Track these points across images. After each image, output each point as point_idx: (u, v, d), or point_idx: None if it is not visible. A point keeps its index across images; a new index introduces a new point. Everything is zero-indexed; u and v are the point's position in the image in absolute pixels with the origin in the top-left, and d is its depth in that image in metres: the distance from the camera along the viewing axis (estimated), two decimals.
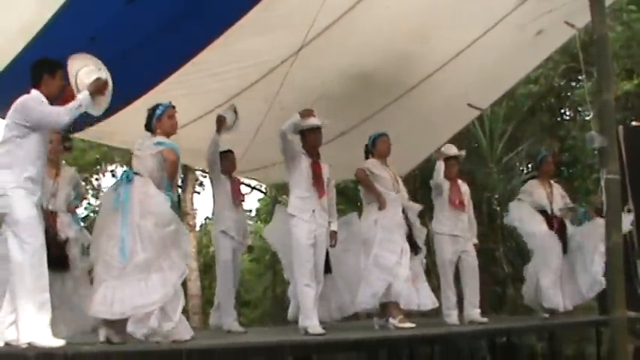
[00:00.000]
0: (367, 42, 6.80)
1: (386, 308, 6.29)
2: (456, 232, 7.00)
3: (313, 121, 6.02)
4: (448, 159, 7.07)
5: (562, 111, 13.38)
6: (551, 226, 7.22)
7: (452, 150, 7.20)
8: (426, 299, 6.62)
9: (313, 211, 5.81)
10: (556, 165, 11.79)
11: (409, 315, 6.50)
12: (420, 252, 6.76)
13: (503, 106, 11.59)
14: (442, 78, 7.72)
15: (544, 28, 7.40)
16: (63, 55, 4.55)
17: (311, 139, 6.05)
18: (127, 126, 6.60)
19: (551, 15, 7.10)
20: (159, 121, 5.11)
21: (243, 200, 6.93)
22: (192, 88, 6.59)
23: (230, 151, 6.87)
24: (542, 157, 7.67)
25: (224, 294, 6.67)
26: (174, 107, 5.18)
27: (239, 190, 6.99)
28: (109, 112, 6.51)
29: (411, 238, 6.51)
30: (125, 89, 6.14)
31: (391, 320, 6.19)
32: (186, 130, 6.91)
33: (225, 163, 6.73)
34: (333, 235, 6.09)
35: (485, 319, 6.92)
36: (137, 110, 6.13)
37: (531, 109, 12.59)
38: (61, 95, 4.62)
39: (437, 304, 6.74)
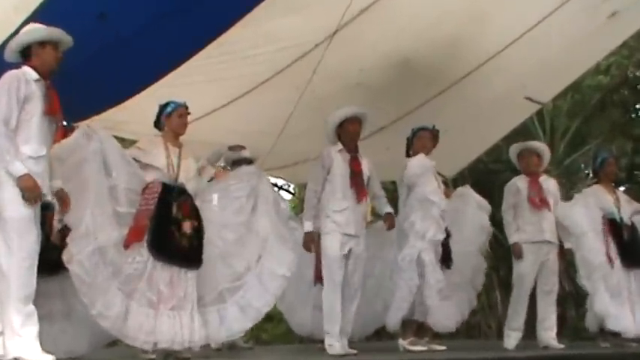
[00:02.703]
0: (411, 25, 6.43)
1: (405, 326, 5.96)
2: (539, 237, 6.34)
3: (353, 110, 5.86)
4: (522, 152, 6.73)
5: (637, 106, 12.76)
6: (621, 236, 6.47)
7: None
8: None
9: (348, 224, 5.64)
10: (628, 168, 11.19)
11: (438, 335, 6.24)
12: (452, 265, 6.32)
13: (568, 99, 11.12)
14: (497, 67, 7.28)
15: (619, 9, 6.92)
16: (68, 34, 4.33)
17: (350, 128, 5.85)
18: (142, 114, 6.17)
19: None
20: (168, 118, 5.15)
21: None
22: (216, 73, 6.37)
23: None
24: (604, 159, 6.91)
25: None
26: (187, 107, 5.21)
27: None
28: (119, 99, 6.37)
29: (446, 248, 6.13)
30: (140, 72, 6.20)
31: (400, 342, 5.90)
32: (208, 120, 6.90)
33: None
34: (388, 217, 5.94)
35: (561, 345, 6.24)
36: (153, 97, 6.00)
37: (600, 103, 11.97)
38: (57, 67, 4.32)
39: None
